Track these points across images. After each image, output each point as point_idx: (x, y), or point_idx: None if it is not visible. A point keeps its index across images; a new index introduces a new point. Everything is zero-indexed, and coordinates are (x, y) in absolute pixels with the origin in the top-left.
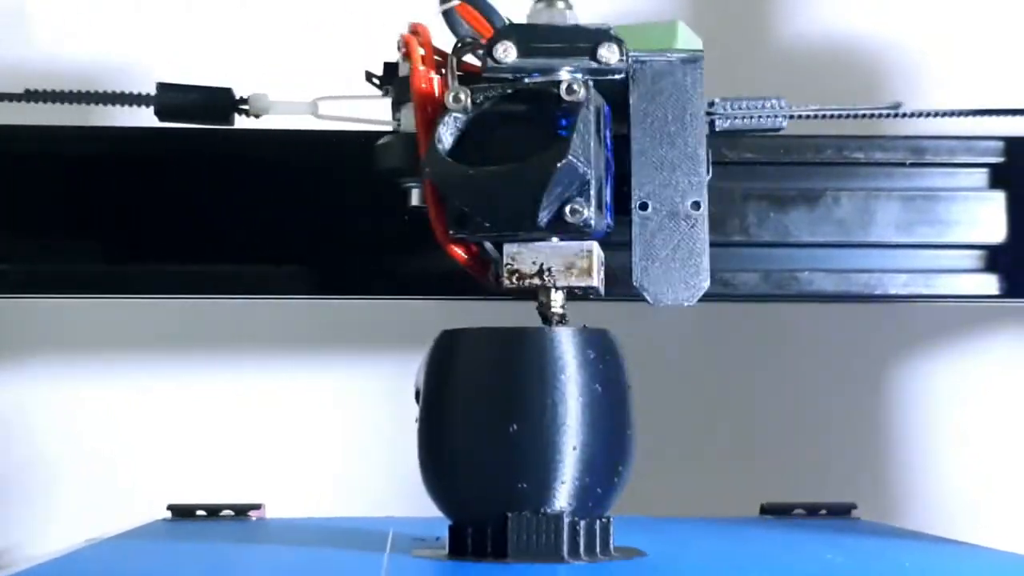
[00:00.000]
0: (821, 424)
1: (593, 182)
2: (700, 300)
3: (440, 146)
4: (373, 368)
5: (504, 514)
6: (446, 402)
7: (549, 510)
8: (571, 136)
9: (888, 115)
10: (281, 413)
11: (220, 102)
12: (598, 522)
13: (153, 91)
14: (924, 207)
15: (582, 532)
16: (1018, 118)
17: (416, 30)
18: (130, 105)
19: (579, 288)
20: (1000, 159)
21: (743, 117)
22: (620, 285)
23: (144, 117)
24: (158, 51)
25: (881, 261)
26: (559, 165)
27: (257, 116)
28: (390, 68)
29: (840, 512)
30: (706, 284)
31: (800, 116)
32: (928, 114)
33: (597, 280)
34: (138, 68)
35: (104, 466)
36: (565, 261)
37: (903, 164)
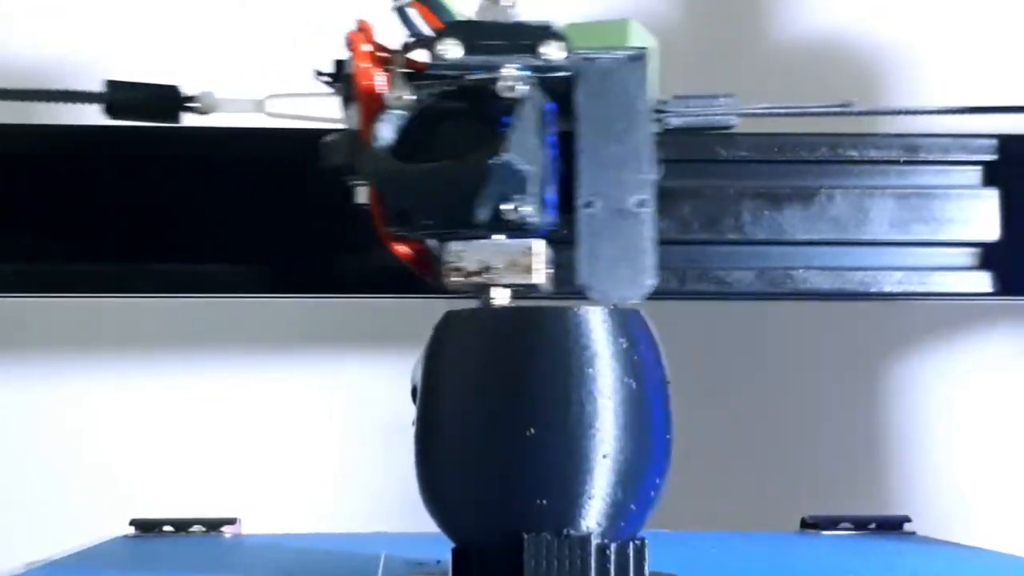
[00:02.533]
0: (814, 424)
1: (532, 179)
2: (695, 298)
3: (377, 143)
4: (364, 368)
5: (518, 535)
6: (447, 400)
7: (574, 531)
8: (509, 133)
9: (838, 114)
10: (260, 417)
11: (168, 99)
12: (631, 544)
13: (102, 88)
14: (918, 205)
15: (612, 557)
16: (1012, 116)
17: (362, 27)
18: (80, 103)
19: (522, 286)
20: (994, 157)
21: (695, 115)
22: (566, 283)
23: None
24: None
25: (876, 259)
26: (495, 162)
27: (205, 113)
28: (340, 65)
29: (892, 526)
30: (651, 282)
31: (751, 115)
32: (922, 112)
33: (541, 278)
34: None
35: (59, 476)
36: (508, 259)
37: (897, 162)
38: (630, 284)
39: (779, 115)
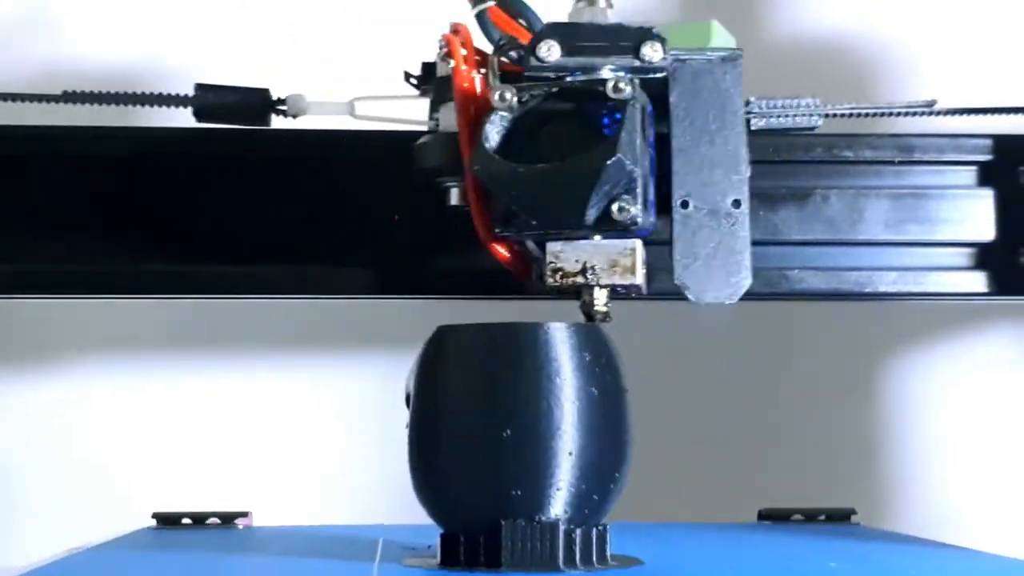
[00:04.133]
0: (808, 423)
1: (639, 180)
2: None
3: (487, 144)
4: (365, 370)
5: (498, 522)
6: (436, 405)
7: (544, 518)
8: (619, 134)
9: (922, 114)
10: (268, 418)
11: (257, 103)
12: (595, 530)
13: (191, 92)
14: (913, 205)
15: (578, 540)
16: (1007, 116)
17: (457, 29)
18: (169, 106)
19: (622, 286)
20: (988, 157)
21: (779, 116)
22: (658, 283)
23: (181, 118)
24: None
25: (871, 259)
26: (608, 163)
27: (295, 116)
28: (428, 68)
29: (839, 517)
30: (747, 282)
31: (834, 115)
32: (917, 113)
33: (640, 278)
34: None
35: (87, 472)
36: (609, 259)
37: (892, 162)
38: (725, 284)
39: (863, 115)
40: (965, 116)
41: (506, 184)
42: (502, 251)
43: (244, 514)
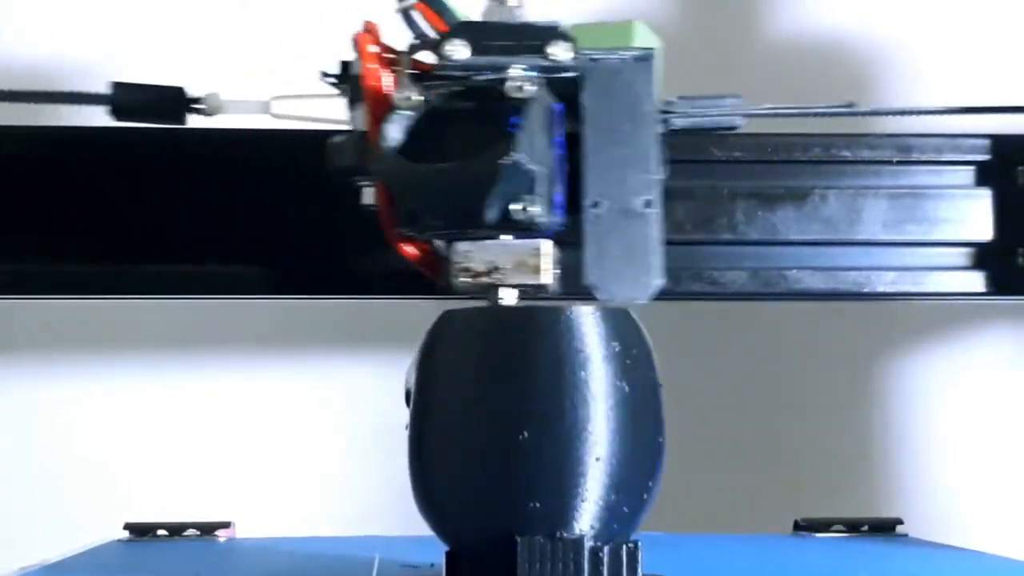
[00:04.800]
0: (808, 423)
1: (540, 179)
2: (688, 299)
3: (387, 144)
4: (359, 369)
5: (512, 538)
6: (441, 402)
7: (567, 534)
8: (518, 133)
9: (842, 114)
10: (254, 419)
11: (174, 101)
12: (624, 547)
13: (107, 90)
14: (911, 205)
15: (606, 560)
16: (1004, 116)
17: (369, 28)
18: (86, 104)
19: (530, 286)
20: (986, 157)
21: (700, 116)
22: (574, 283)
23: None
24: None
25: (869, 259)
26: (504, 162)
27: (210, 115)
28: (346, 67)
29: (884, 528)
30: (657, 282)
31: (755, 115)
32: (915, 112)
33: (549, 278)
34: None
35: (52, 479)
36: (516, 259)
37: (890, 162)
38: (636, 284)
39: (784, 115)
40: (964, 116)
41: (404, 184)
42: (410, 250)
43: (226, 524)
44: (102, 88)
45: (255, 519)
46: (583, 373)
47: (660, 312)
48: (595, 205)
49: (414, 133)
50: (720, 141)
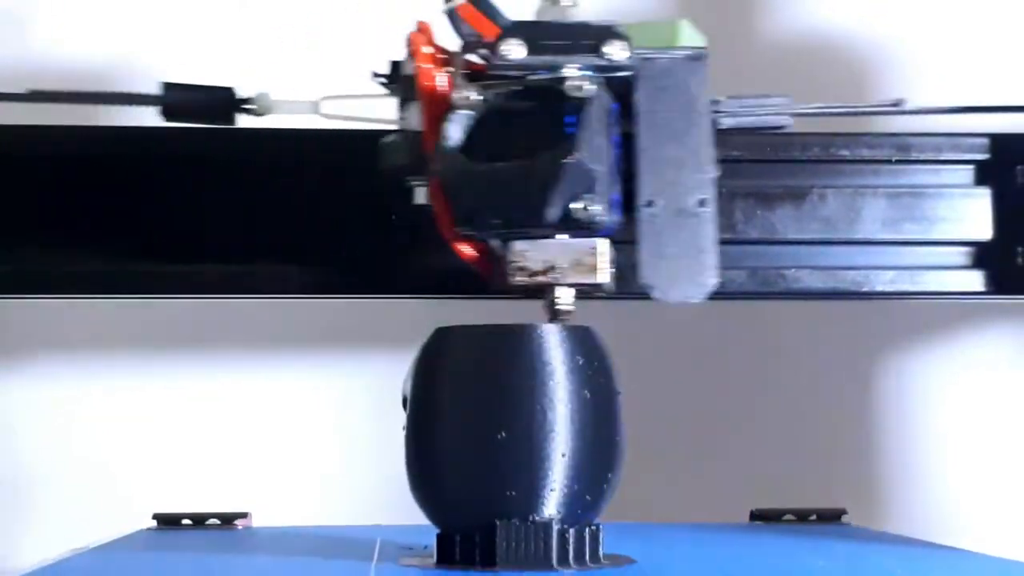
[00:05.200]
0: (807, 423)
1: (601, 179)
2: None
3: (447, 143)
4: (363, 370)
5: (493, 522)
6: (433, 407)
7: (538, 518)
8: (579, 133)
9: (891, 112)
10: (267, 418)
11: (223, 101)
12: (588, 529)
13: (158, 91)
14: (910, 204)
15: (571, 540)
16: (1004, 115)
17: (422, 28)
18: (135, 105)
19: (587, 285)
20: (985, 156)
21: (748, 115)
22: (626, 283)
23: (145, 117)
24: (160, 50)
25: (867, 258)
26: (567, 162)
27: (260, 115)
28: (396, 67)
29: (830, 518)
30: (713, 281)
31: (803, 114)
32: (914, 111)
33: (606, 277)
34: (139, 67)
35: (87, 473)
36: (573, 258)
37: (889, 161)
38: (691, 283)
39: (832, 115)
40: (963, 115)
41: (467, 183)
42: (466, 250)
43: (244, 515)
44: (152, 88)
45: (266, 513)
46: (551, 382)
47: (657, 311)
48: (649, 204)
49: (472, 133)
50: (719, 140)
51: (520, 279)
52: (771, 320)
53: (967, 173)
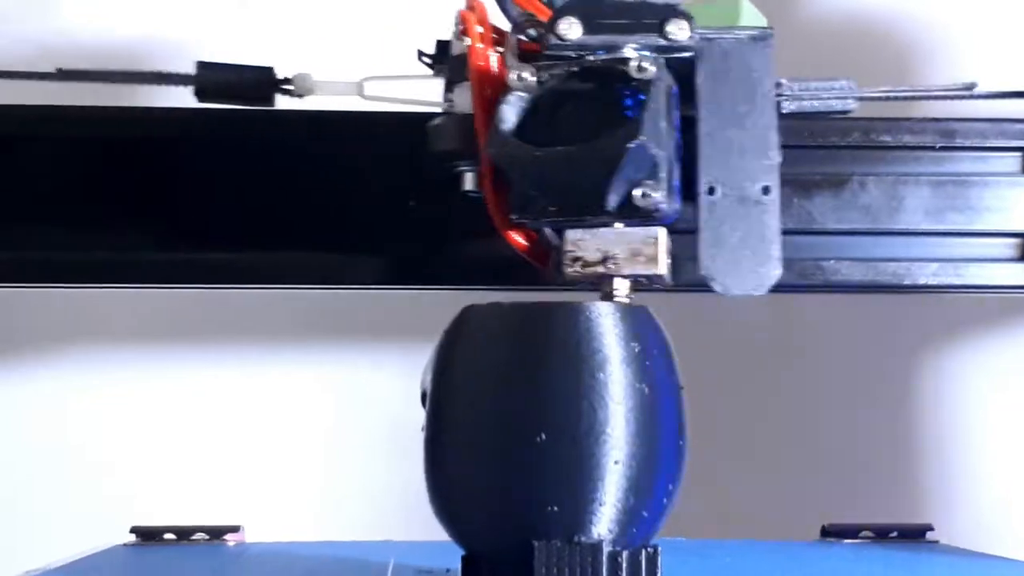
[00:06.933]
0: (841, 425)
1: (663, 164)
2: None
3: (503, 126)
4: (378, 366)
5: (529, 542)
6: (457, 403)
7: (585, 538)
8: (641, 116)
9: (962, 97)
10: (265, 418)
11: (262, 82)
12: (644, 552)
13: (192, 71)
14: (955, 193)
15: (624, 564)
16: None
17: (472, 6)
18: (169, 84)
19: (645, 276)
20: None
21: (811, 99)
22: (682, 273)
23: (182, 98)
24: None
25: (910, 249)
26: (630, 146)
27: (301, 96)
28: (442, 46)
29: (914, 535)
30: (777, 273)
31: (869, 98)
32: (957, 96)
33: (664, 268)
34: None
35: (55, 478)
36: (631, 248)
37: (933, 148)
38: (754, 275)
39: (899, 99)
40: (1009, 100)
41: (523, 168)
42: (519, 239)
43: (235, 528)
44: (188, 68)
45: (263, 521)
46: (601, 375)
47: (689, 305)
48: (711, 191)
49: (527, 115)
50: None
51: (574, 270)
52: (807, 314)
53: (1015, 161)
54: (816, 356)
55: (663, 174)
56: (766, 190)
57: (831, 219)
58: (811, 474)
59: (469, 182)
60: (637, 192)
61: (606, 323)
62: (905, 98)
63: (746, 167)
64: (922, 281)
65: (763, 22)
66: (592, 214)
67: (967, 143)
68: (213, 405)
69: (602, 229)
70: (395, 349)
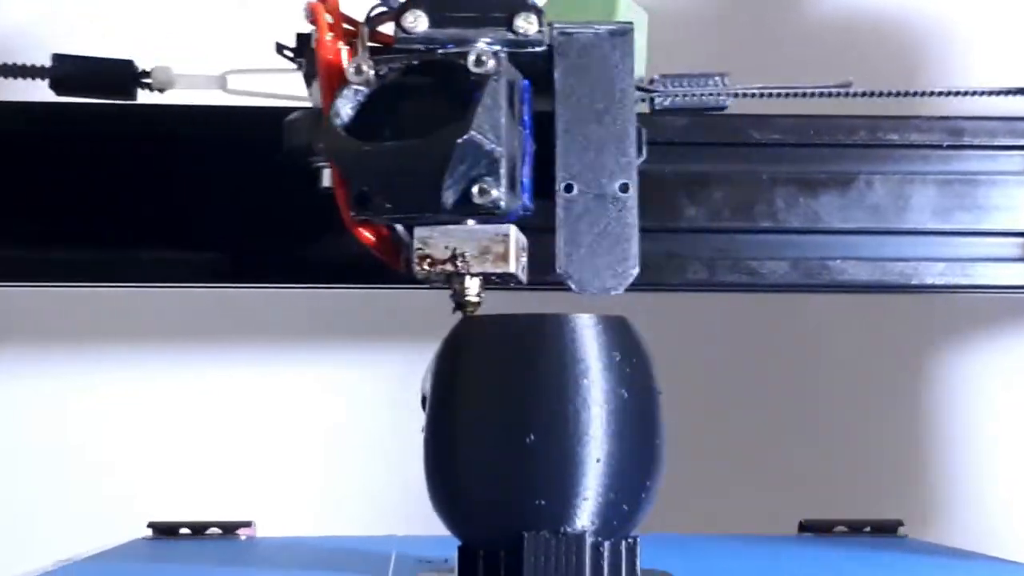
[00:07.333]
0: (848, 425)
1: (504, 160)
2: (725, 290)
3: (336, 120)
4: (378, 367)
5: (519, 534)
6: (454, 407)
7: (569, 529)
8: (475, 111)
9: (837, 95)
10: (274, 419)
11: (121, 75)
12: (624, 542)
13: (49, 63)
14: (962, 192)
15: (606, 554)
16: None
17: None
18: (24, 78)
19: (496, 275)
20: None
21: (684, 95)
22: (546, 271)
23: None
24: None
25: (916, 249)
26: (460, 141)
27: (161, 90)
28: (303, 39)
29: (886, 529)
30: (634, 271)
31: (743, 95)
32: (966, 93)
33: (516, 266)
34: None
35: (75, 476)
36: (480, 246)
37: (940, 146)
38: (612, 274)
39: (774, 96)
40: (1018, 97)
41: (354, 163)
42: (367, 235)
43: (247, 523)
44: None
45: (263, 521)
46: (585, 381)
47: (694, 304)
48: (568, 189)
49: (367, 110)
50: (759, 123)
51: (424, 268)
52: (813, 314)
53: (1022, 159)
54: (823, 356)
55: (503, 170)
56: (624, 188)
57: (837, 218)
58: (815, 474)
59: (326, 179)
60: (475, 189)
61: (588, 334)
62: (779, 96)
63: (604, 164)
64: (929, 281)
65: (643, 17)
66: (428, 211)
67: (975, 142)
68: (213, 405)
69: (452, 226)
70: (395, 349)
